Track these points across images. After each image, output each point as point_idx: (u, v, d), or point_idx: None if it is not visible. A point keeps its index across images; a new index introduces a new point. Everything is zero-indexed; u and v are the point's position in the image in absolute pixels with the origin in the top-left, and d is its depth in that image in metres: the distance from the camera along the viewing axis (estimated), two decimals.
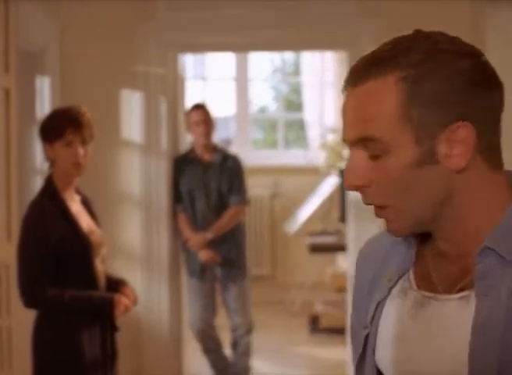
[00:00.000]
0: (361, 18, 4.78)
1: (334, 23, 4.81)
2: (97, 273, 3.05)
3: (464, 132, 1.18)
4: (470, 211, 1.24)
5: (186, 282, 5.21)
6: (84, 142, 3.02)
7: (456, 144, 1.19)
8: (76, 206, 3.07)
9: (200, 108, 5.17)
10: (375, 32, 4.74)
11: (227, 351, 5.25)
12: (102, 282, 3.08)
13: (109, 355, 3.09)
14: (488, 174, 1.22)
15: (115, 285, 3.16)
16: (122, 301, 3.05)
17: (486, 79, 1.20)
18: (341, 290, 6.06)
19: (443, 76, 1.18)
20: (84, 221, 3.07)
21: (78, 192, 3.12)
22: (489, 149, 1.21)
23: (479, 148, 1.20)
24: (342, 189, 5.89)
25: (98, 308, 3.03)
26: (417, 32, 1.25)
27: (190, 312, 5.18)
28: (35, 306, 2.99)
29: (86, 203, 3.15)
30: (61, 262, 2.93)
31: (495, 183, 1.23)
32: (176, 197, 5.07)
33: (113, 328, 3.11)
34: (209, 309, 5.15)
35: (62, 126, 2.98)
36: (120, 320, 3.16)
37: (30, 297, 2.94)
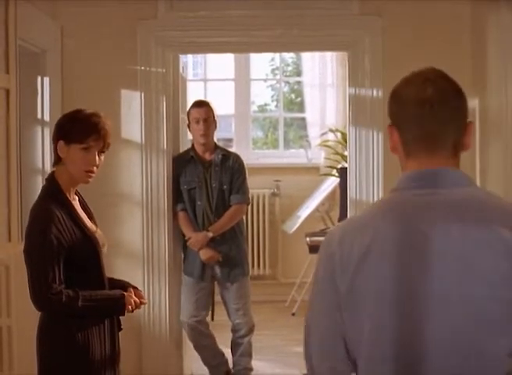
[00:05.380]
0: (362, 18, 4.77)
1: (334, 24, 4.80)
2: (105, 272, 3.06)
3: (389, 130, 1.85)
4: None
5: (182, 279, 5.19)
6: (101, 151, 3.01)
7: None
8: (77, 207, 3.06)
9: (200, 106, 5.14)
10: (376, 32, 4.74)
11: (227, 351, 5.24)
12: (106, 281, 3.09)
13: (118, 354, 3.10)
14: (404, 159, 1.84)
15: (123, 288, 3.15)
16: (133, 300, 3.06)
17: (393, 107, 1.84)
18: None
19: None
20: (87, 222, 3.07)
21: (76, 193, 3.11)
22: (405, 144, 1.82)
23: (401, 142, 1.83)
24: (342, 188, 5.90)
25: (111, 308, 3.03)
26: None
27: (182, 308, 5.15)
28: (51, 311, 2.95)
29: (83, 204, 3.14)
30: (72, 265, 2.91)
31: (405, 166, 1.84)
32: (177, 196, 5.06)
33: (119, 327, 3.12)
34: (201, 306, 5.12)
35: (86, 131, 2.95)
36: (122, 319, 3.16)
37: (45, 303, 2.88)
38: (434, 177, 1.77)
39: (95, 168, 3.00)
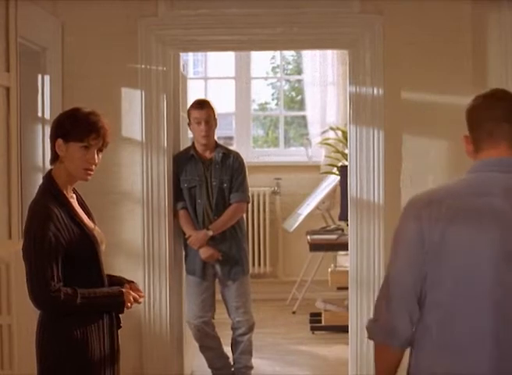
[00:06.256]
0: (362, 17, 4.77)
1: (335, 22, 4.80)
2: (104, 270, 3.05)
3: (465, 140, 2.38)
4: None
5: (185, 279, 5.20)
6: (100, 150, 3.01)
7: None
8: (75, 205, 3.06)
9: (201, 107, 5.12)
10: (376, 31, 4.73)
11: (228, 349, 5.24)
12: (106, 279, 3.08)
13: (117, 352, 3.09)
14: (475, 154, 2.33)
15: (119, 284, 3.14)
16: (132, 297, 3.06)
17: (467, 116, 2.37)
18: (342, 288, 6.06)
19: None
20: (85, 220, 3.07)
21: (74, 191, 3.11)
22: (475, 142, 2.33)
23: (472, 141, 2.34)
24: (343, 186, 5.89)
25: (110, 306, 3.03)
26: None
27: (187, 309, 5.16)
28: (49, 309, 2.95)
29: (81, 201, 3.14)
30: (71, 263, 2.91)
31: (476, 159, 2.32)
32: (177, 194, 5.06)
33: (118, 324, 3.11)
34: (207, 307, 5.13)
35: (85, 130, 2.94)
36: (121, 318, 3.16)
37: (44, 301, 2.87)
38: (497, 163, 2.26)
39: (94, 166, 3.00)
